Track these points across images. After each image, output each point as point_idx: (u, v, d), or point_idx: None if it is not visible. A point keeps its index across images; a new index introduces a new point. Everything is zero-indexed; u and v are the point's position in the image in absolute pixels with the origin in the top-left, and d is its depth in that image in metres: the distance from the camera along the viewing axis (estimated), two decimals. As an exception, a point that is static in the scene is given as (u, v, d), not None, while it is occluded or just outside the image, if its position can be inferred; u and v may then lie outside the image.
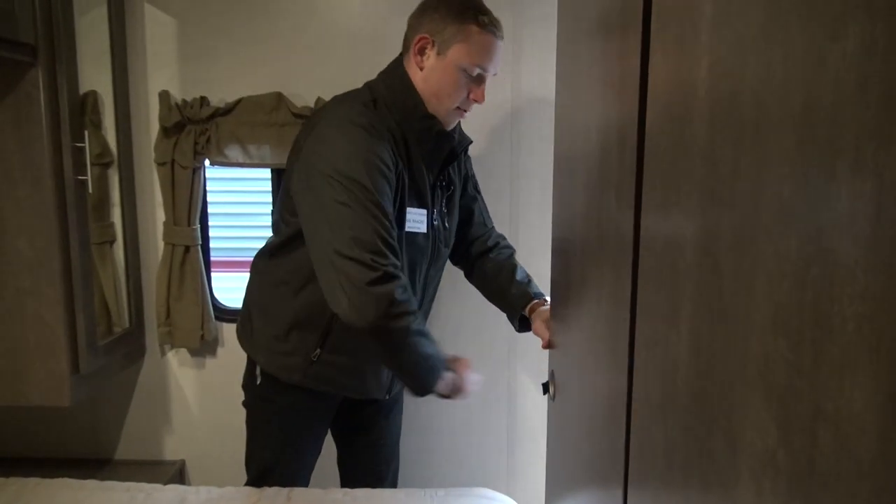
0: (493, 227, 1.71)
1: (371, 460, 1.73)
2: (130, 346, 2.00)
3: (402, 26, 1.83)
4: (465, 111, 1.45)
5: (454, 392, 1.43)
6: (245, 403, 1.63)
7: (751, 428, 0.45)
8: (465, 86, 1.39)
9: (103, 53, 1.83)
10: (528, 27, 1.85)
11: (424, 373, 1.37)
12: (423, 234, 1.46)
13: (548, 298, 1.54)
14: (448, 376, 1.41)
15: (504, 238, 1.71)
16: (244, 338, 1.60)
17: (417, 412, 2.07)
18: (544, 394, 1.40)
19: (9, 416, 2.09)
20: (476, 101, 1.42)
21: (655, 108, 0.66)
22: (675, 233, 0.60)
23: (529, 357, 2.02)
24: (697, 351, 0.55)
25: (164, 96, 1.94)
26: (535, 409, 2.07)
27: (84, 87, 1.71)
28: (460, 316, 2.00)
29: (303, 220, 1.37)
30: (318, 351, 1.49)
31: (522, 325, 1.58)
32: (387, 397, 1.62)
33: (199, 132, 1.93)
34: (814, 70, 0.37)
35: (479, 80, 1.40)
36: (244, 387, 1.62)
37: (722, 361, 0.49)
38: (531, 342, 1.57)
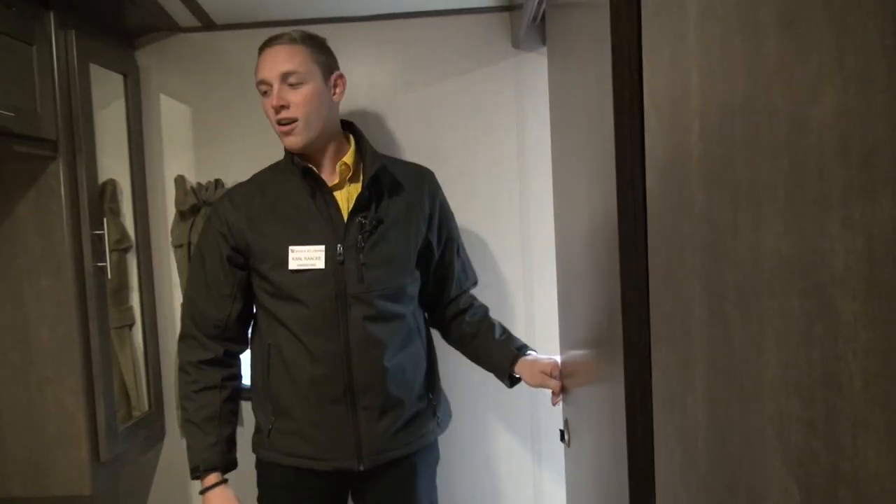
0: (468, 288, 1.69)
1: None
2: (150, 429, 1.99)
3: (407, 104, 1.88)
4: (284, 126, 1.49)
5: None
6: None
7: (773, 490, 0.44)
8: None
9: (121, 143, 1.90)
10: (530, 99, 1.89)
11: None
12: (321, 269, 1.43)
13: (531, 350, 1.54)
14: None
15: (475, 298, 1.69)
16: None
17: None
18: (561, 440, 1.38)
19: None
20: (273, 107, 1.49)
21: (654, 173, 0.67)
22: (681, 291, 0.60)
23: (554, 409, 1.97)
24: (714, 411, 0.54)
25: (180, 181, 1.99)
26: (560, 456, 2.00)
27: (103, 177, 1.76)
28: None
29: None
30: (273, 419, 1.48)
31: (513, 381, 1.57)
32: (360, 468, 1.47)
33: (214, 213, 1.97)
34: (797, 132, 0.38)
35: (267, 94, 1.51)
36: None
37: (739, 422, 0.49)
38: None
